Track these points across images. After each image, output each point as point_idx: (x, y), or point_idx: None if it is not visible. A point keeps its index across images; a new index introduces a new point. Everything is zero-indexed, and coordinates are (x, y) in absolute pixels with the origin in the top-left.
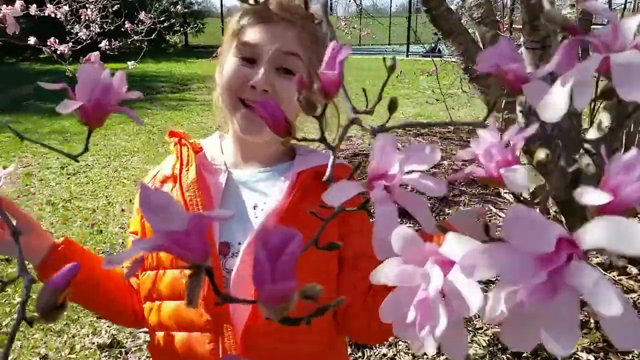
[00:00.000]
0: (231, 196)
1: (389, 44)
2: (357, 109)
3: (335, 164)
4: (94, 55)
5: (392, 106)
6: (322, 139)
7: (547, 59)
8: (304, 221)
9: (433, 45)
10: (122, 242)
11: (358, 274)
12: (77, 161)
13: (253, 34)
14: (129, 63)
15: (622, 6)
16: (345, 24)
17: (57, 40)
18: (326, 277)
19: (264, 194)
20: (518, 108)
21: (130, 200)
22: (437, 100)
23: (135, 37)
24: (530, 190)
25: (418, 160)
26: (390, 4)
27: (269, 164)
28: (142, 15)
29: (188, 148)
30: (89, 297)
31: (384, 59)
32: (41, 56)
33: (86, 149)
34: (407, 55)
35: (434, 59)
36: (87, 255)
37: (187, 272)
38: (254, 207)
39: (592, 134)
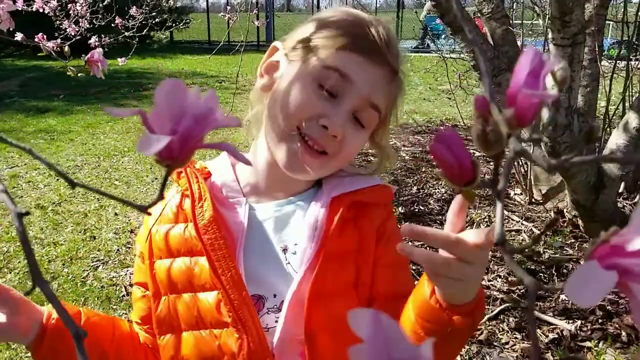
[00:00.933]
0: (256, 238)
1: None
2: (522, 137)
3: (377, 185)
4: (98, 52)
5: (591, 137)
6: (494, 182)
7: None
8: (341, 261)
9: (420, 41)
10: (117, 250)
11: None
12: (149, 214)
13: (350, 65)
14: (119, 60)
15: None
16: None
17: (45, 36)
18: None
19: (293, 233)
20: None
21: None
22: (449, 99)
23: (126, 33)
24: (543, 192)
25: None
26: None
27: (294, 192)
28: (133, 10)
29: (197, 177)
30: None
31: (553, 73)
32: (40, 54)
33: (161, 197)
34: None
35: (425, 54)
36: (86, 319)
37: (218, 331)
38: (284, 251)
39: (616, 136)
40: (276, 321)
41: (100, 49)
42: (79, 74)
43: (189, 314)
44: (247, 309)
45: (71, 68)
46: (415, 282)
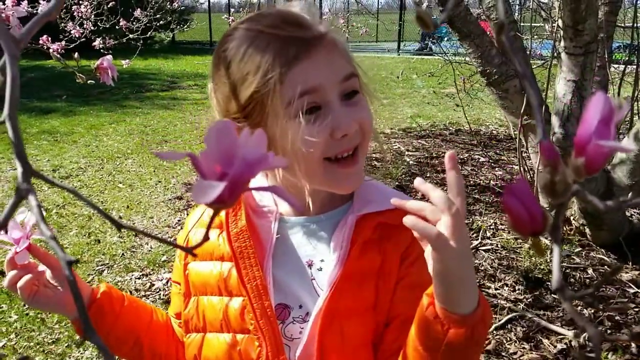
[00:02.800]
0: (284, 249)
1: (377, 41)
2: (578, 180)
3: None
4: (107, 59)
5: None
6: (554, 229)
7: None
8: (361, 282)
9: (420, 43)
10: (122, 254)
11: (387, 338)
12: (195, 255)
13: (301, 79)
14: (123, 62)
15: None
16: (343, 22)
17: (49, 39)
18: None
19: (319, 249)
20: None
21: (128, 207)
22: (457, 105)
23: (131, 36)
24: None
25: None
26: (377, 0)
27: (323, 208)
28: (137, 12)
29: None
30: (128, 351)
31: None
32: (50, 61)
33: (207, 238)
34: (399, 53)
35: (428, 57)
36: (128, 304)
37: (240, 337)
38: (309, 265)
39: (626, 143)
40: (300, 332)
41: (110, 57)
42: (88, 82)
43: (215, 317)
44: (268, 319)
45: (81, 76)
46: None
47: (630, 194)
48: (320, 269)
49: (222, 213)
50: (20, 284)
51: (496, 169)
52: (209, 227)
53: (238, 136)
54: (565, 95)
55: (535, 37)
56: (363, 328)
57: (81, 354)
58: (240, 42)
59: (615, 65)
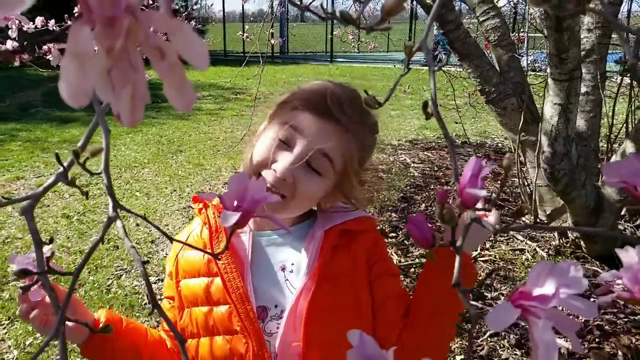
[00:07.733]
0: (259, 259)
1: (387, 51)
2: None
3: (361, 217)
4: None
5: (521, 214)
6: (453, 242)
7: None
8: (335, 283)
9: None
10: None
11: (389, 312)
12: (219, 259)
13: (302, 121)
14: None
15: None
16: (352, 38)
17: None
18: (366, 327)
19: (290, 256)
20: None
21: (145, 214)
22: (457, 122)
23: None
24: (547, 213)
25: (570, 284)
26: None
27: (289, 224)
28: None
29: (214, 213)
30: None
31: (502, 161)
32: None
33: (227, 248)
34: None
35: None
36: (126, 324)
37: (229, 337)
38: (282, 269)
39: (614, 160)
40: (277, 327)
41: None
42: None
43: (206, 323)
44: (250, 321)
45: None
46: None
47: (624, 210)
48: (292, 271)
49: (206, 236)
50: (32, 315)
51: (499, 182)
52: (228, 241)
53: (248, 182)
54: (553, 117)
55: (537, 51)
56: (345, 323)
57: None
58: (304, 84)
59: (616, 79)
